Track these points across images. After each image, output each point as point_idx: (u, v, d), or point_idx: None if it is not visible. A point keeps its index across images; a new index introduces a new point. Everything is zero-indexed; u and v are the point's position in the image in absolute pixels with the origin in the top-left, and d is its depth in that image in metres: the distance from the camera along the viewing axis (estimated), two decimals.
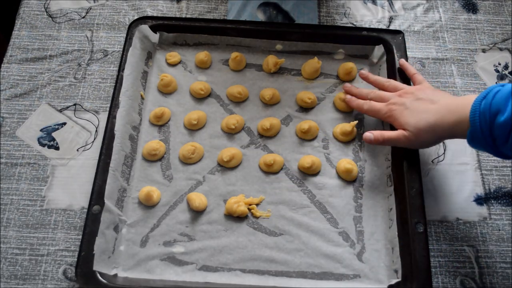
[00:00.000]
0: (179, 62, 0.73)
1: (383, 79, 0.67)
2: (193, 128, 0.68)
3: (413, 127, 0.58)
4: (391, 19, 0.80)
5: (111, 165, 0.61)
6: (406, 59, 0.69)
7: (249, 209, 0.62)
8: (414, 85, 0.65)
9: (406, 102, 0.60)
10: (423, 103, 0.59)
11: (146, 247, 0.60)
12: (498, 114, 0.49)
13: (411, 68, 0.67)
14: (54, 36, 0.76)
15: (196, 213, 0.62)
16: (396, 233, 0.59)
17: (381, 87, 0.67)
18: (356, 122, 0.66)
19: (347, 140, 0.67)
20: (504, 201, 0.65)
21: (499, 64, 0.76)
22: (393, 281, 0.57)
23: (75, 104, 0.70)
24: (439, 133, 0.57)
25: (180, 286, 0.56)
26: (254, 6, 0.80)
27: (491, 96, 0.51)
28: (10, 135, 0.67)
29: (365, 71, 0.70)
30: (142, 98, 0.69)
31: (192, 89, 0.70)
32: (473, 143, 0.53)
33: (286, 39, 0.73)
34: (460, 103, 0.55)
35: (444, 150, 0.68)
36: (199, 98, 0.70)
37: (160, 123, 0.68)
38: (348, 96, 0.68)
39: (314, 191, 0.64)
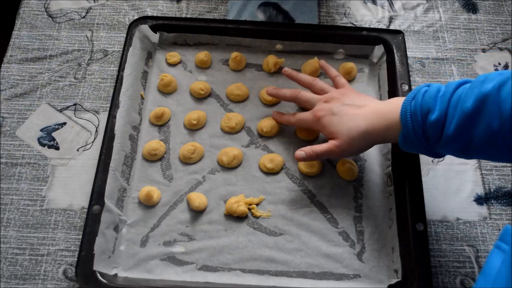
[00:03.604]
0: (179, 62, 0.73)
1: (308, 78, 0.65)
2: (193, 128, 0.68)
3: (345, 136, 0.57)
4: (391, 19, 0.80)
5: (111, 165, 0.61)
6: (406, 59, 0.69)
7: (249, 209, 0.62)
8: (336, 88, 0.64)
9: (332, 108, 0.58)
10: (350, 108, 0.58)
11: (146, 247, 0.60)
12: (429, 113, 0.50)
13: (332, 70, 0.66)
14: (54, 36, 0.76)
15: (196, 213, 0.62)
16: (396, 233, 0.59)
17: (308, 87, 0.65)
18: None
19: None
20: (504, 201, 0.65)
21: (499, 64, 0.76)
22: (393, 281, 0.57)
23: (75, 104, 0.70)
24: (371, 139, 0.57)
25: (180, 286, 0.56)
26: (254, 6, 0.80)
27: (420, 96, 0.51)
28: (10, 135, 0.67)
29: (288, 69, 0.67)
30: (142, 98, 0.69)
31: (192, 89, 0.70)
32: (405, 145, 0.53)
33: (286, 39, 0.73)
34: (388, 108, 0.55)
35: None
36: (199, 98, 0.70)
37: (160, 123, 0.68)
38: (274, 114, 0.67)
39: (314, 191, 0.64)
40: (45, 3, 0.79)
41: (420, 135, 0.51)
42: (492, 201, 0.65)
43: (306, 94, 0.64)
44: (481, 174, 0.67)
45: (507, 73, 0.46)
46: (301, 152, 0.60)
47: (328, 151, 0.58)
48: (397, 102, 0.54)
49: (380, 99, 0.70)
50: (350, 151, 0.58)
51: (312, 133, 0.67)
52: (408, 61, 0.71)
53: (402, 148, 0.55)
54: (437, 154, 0.53)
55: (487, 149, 0.48)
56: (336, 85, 0.64)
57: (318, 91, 0.64)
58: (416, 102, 0.51)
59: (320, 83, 0.64)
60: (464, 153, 0.50)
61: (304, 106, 0.65)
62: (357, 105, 0.58)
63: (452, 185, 0.66)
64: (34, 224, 0.61)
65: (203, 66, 0.73)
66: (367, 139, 0.57)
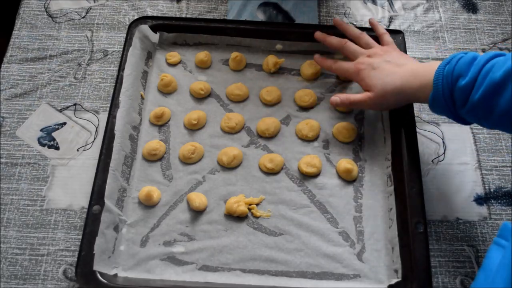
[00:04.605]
0: (179, 62, 0.73)
1: (357, 31, 0.69)
2: (193, 128, 0.68)
3: (380, 89, 0.60)
4: (391, 19, 0.80)
5: (111, 165, 0.61)
6: None
7: (249, 209, 0.62)
8: (382, 45, 0.67)
9: (374, 63, 0.62)
10: (390, 65, 0.61)
11: (146, 247, 0.60)
12: (460, 78, 0.52)
13: (380, 27, 0.69)
14: (54, 36, 0.76)
15: (196, 213, 0.62)
16: (396, 233, 0.59)
17: (354, 39, 0.68)
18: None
19: (347, 140, 0.67)
20: (504, 201, 0.65)
21: None
22: (393, 281, 0.57)
23: (75, 104, 0.70)
24: (404, 96, 0.60)
25: (180, 286, 0.56)
26: (254, 6, 0.80)
27: (454, 61, 0.54)
28: (10, 135, 0.67)
29: (338, 19, 0.71)
30: (142, 98, 0.69)
31: (192, 89, 0.70)
32: (434, 106, 0.56)
33: (286, 39, 0.73)
34: (424, 69, 0.57)
35: (444, 150, 0.68)
36: (199, 98, 0.70)
37: (160, 123, 0.68)
38: (317, 56, 0.70)
39: (314, 191, 0.64)
40: (45, 3, 0.79)
41: (448, 98, 0.53)
42: (492, 201, 0.65)
43: (353, 45, 0.67)
44: (481, 174, 0.67)
45: None
46: (336, 97, 0.65)
47: (361, 101, 0.63)
48: (434, 65, 0.56)
49: None
50: (382, 104, 0.62)
51: (312, 132, 0.67)
52: None
53: (431, 109, 0.57)
54: (462, 119, 0.56)
55: (507, 120, 0.50)
56: (382, 42, 0.68)
57: (364, 45, 0.67)
58: (449, 66, 0.53)
59: (366, 37, 0.68)
60: (486, 121, 0.52)
61: (348, 57, 0.68)
62: (397, 63, 0.61)
63: (452, 185, 0.66)
64: (34, 224, 0.61)
65: (203, 66, 0.73)
66: (400, 96, 0.60)
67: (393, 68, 0.60)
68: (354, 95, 0.64)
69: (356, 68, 0.64)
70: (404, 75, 0.59)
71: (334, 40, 0.69)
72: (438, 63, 0.56)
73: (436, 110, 0.57)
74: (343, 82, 0.72)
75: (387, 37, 0.68)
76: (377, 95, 0.61)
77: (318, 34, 0.70)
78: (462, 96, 0.52)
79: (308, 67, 0.71)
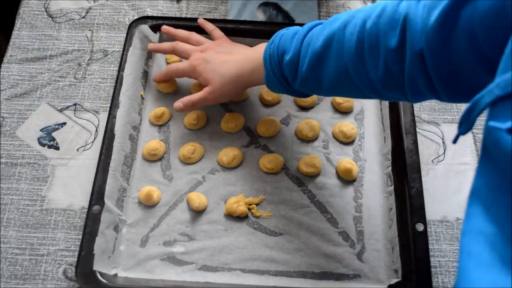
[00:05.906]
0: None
1: (185, 32, 0.69)
2: (193, 128, 0.68)
3: (217, 81, 0.61)
4: None
5: (111, 165, 0.61)
6: None
7: (249, 209, 0.62)
8: (214, 40, 0.68)
9: (206, 57, 0.63)
10: (223, 55, 0.62)
11: (146, 247, 0.60)
12: (285, 54, 0.53)
13: (209, 24, 0.70)
14: (54, 36, 0.76)
15: (196, 213, 0.62)
16: (396, 233, 0.59)
17: (185, 40, 0.68)
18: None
19: (347, 140, 0.67)
20: None
21: None
22: (393, 281, 0.57)
23: (75, 104, 0.70)
24: (241, 82, 0.61)
25: (180, 286, 0.56)
26: (254, 6, 0.80)
27: (277, 39, 0.55)
28: (10, 135, 0.67)
29: (166, 26, 0.70)
30: (142, 98, 0.69)
31: (192, 89, 0.70)
32: (270, 86, 0.57)
33: None
34: (254, 52, 0.59)
35: (444, 150, 0.68)
36: None
37: (160, 123, 0.68)
38: (155, 74, 0.69)
39: (314, 191, 0.64)
40: (45, 3, 0.79)
41: (279, 76, 0.54)
42: None
43: (184, 45, 0.67)
44: None
45: (353, 12, 0.48)
46: (178, 103, 0.64)
47: (203, 99, 0.63)
48: (263, 47, 0.57)
49: (380, 101, 0.70)
50: (223, 96, 0.63)
51: (312, 132, 0.67)
52: None
53: (269, 89, 0.58)
54: (300, 93, 0.57)
55: (338, 86, 0.51)
56: (213, 38, 0.68)
57: (195, 44, 0.67)
58: (274, 45, 0.55)
59: (196, 35, 0.68)
60: (319, 91, 0.54)
61: (182, 57, 0.68)
62: (230, 52, 0.63)
63: (452, 185, 0.66)
64: (34, 224, 0.61)
65: None
66: (237, 83, 0.61)
67: (225, 57, 0.61)
68: (195, 95, 0.63)
69: (191, 66, 0.64)
70: (237, 62, 0.60)
71: (165, 46, 0.68)
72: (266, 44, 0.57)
73: (274, 89, 0.58)
74: None
75: (217, 32, 0.68)
76: (215, 87, 0.61)
77: (151, 46, 0.69)
78: (291, 71, 0.53)
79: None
